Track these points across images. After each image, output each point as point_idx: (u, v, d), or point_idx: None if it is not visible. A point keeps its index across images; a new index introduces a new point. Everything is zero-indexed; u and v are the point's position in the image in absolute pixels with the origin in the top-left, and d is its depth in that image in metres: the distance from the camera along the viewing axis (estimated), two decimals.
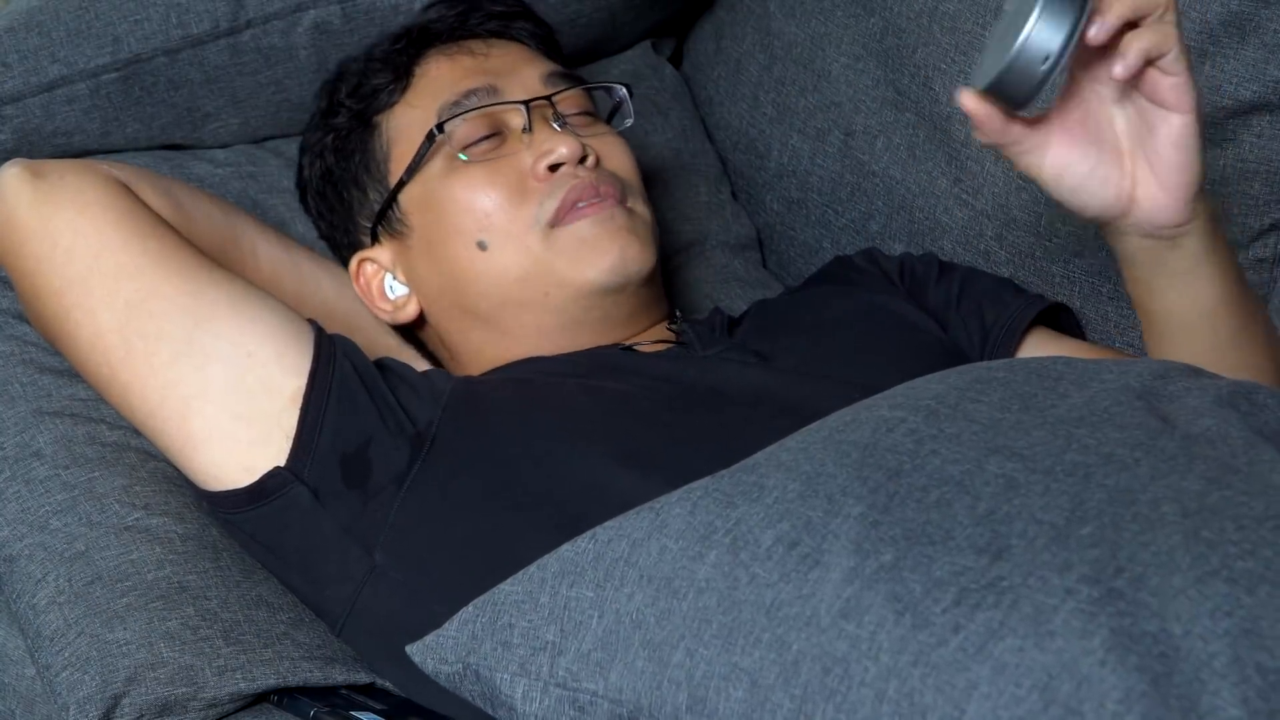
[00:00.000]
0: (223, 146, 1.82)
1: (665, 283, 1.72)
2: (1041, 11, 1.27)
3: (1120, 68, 1.29)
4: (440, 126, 1.61)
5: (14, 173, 1.58)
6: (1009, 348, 1.62)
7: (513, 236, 1.59)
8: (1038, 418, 1.20)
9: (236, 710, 1.46)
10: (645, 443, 1.46)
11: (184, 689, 1.44)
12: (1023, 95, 1.29)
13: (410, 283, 1.65)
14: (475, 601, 1.23)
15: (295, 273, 1.69)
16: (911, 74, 1.78)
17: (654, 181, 1.90)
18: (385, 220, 1.65)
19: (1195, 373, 1.27)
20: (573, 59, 1.92)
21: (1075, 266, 1.71)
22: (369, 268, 1.66)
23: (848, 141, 1.84)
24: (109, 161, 1.66)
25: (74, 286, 1.54)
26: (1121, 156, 1.36)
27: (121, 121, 1.75)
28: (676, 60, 2.05)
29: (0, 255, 1.59)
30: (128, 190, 1.59)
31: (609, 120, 1.71)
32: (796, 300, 1.72)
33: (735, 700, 1.09)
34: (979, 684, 1.02)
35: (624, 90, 1.71)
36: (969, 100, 1.32)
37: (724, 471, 1.22)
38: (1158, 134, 1.34)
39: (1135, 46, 1.29)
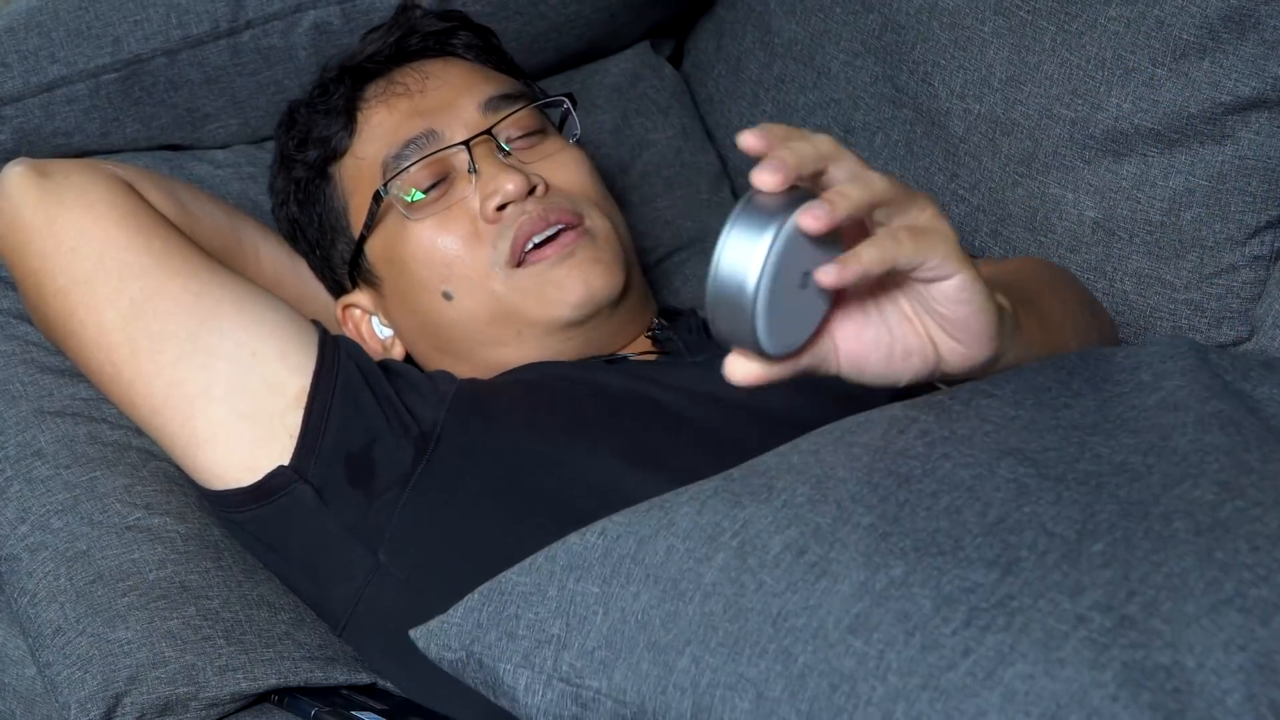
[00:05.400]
0: (222, 147, 1.81)
1: (666, 280, 1.71)
2: (727, 240, 1.06)
3: (836, 281, 1.08)
4: (385, 187, 1.58)
5: (19, 171, 1.57)
6: None
7: (475, 283, 1.56)
8: (1051, 419, 1.18)
9: (238, 710, 1.47)
10: (652, 444, 1.46)
11: (185, 688, 1.44)
12: (750, 336, 1.08)
13: (391, 325, 1.64)
14: (481, 589, 1.21)
15: (297, 274, 1.69)
16: (910, 70, 1.78)
17: (654, 180, 1.90)
18: (357, 269, 1.64)
19: (1203, 359, 1.25)
20: (572, 59, 1.91)
21: (1069, 262, 1.71)
22: (355, 312, 1.66)
23: (847, 138, 1.83)
24: (112, 161, 1.65)
25: (79, 285, 1.54)
26: (913, 325, 1.17)
27: (121, 122, 1.74)
28: (676, 60, 2.04)
29: (4, 254, 1.59)
30: (132, 189, 1.58)
31: (561, 126, 1.66)
32: None
33: (740, 712, 1.08)
34: (988, 712, 1.00)
35: (566, 102, 1.65)
36: (736, 373, 1.12)
37: (733, 470, 1.19)
38: (935, 298, 1.16)
39: (859, 267, 1.09)
